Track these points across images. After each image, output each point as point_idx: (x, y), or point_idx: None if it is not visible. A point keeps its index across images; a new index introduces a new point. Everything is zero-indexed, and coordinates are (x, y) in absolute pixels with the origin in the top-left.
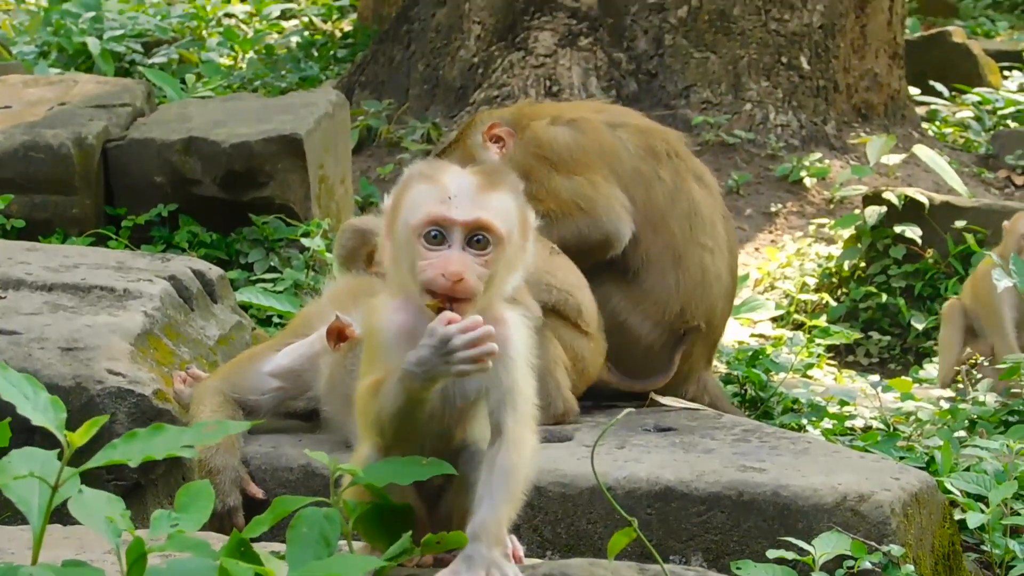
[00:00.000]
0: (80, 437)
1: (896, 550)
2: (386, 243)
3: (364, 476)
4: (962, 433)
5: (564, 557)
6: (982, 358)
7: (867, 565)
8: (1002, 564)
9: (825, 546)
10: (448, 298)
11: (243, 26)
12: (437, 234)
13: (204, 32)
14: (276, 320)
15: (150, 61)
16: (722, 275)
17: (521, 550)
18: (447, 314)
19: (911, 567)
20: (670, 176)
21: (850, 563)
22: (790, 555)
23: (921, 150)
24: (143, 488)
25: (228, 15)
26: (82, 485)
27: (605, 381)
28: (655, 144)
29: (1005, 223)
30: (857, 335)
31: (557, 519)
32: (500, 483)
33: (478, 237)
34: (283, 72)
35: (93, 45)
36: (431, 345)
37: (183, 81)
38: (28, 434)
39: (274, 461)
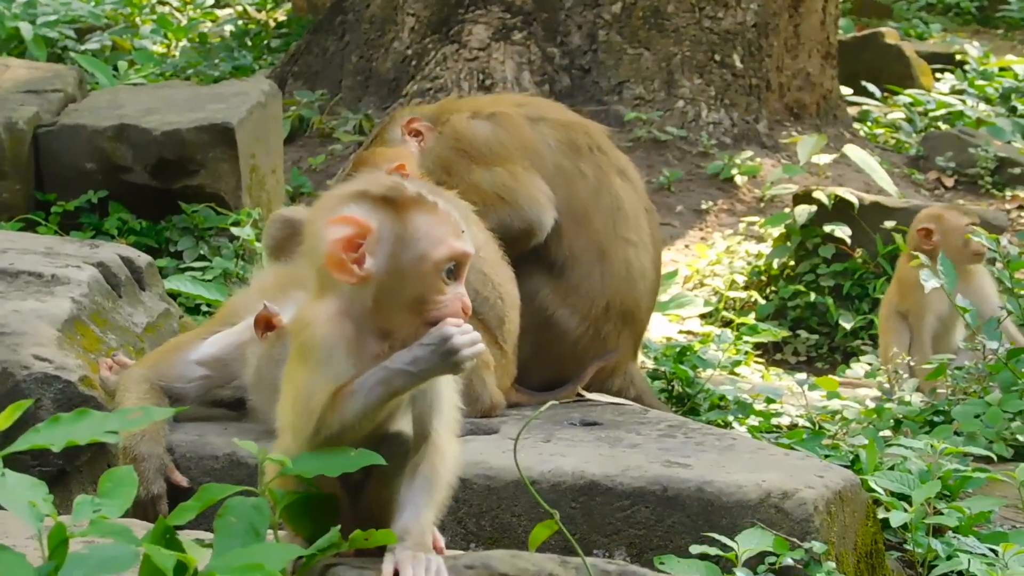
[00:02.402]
0: (3, 421)
1: (818, 547)
2: (370, 269)
3: (294, 467)
4: (888, 432)
5: (488, 549)
6: (908, 358)
7: (789, 562)
8: (924, 563)
9: (748, 542)
10: None
11: (177, 14)
12: (454, 268)
13: (137, 19)
14: (205, 308)
15: (83, 47)
16: (646, 269)
17: (442, 541)
18: (453, 319)
19: (832, 564)
20: (592, 171)
21: (772, 560)
22: (713, 551)
23: (852, 150)
24: (68, 475)
25: (162, 3)
26: (5, 469)
27: (512, 401)
28: (576, 138)
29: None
30: (785, 333)
31: (482, 512)
32: (425, 489)
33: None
34: (216, 61)
35: (26, 30)
36: (431, 345)
37: (115, 68)
38: None
39: (199, 449)
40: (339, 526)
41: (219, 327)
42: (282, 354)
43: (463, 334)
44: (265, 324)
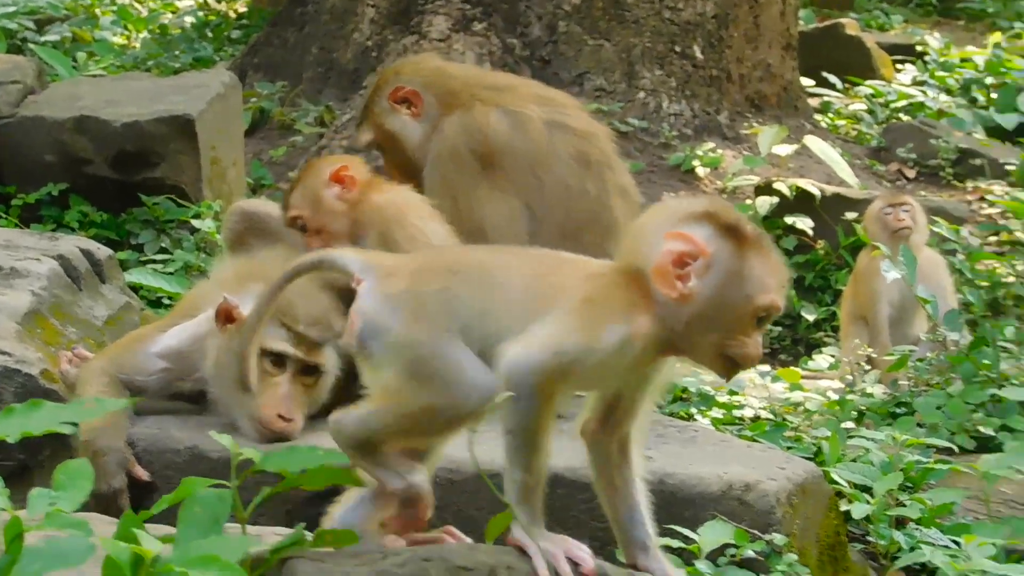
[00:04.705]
0: None
1: (779, 539)
2: (693, 290)
3: (264, 462)
4: (850, 424)
5: None
6: (869, 350)
7: (750, 554)
8: (887, 555)
9: (710, 535)
10: None
11: (137, 5)
12: (765, 317)
13: (97, 11)
14: (166, 301)
15: (42, 39)
16: None
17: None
18: None
19: (794, 556)
20: (596, 189)
21: (733, 552)
22: (675, 543)
23: (813, 141)
24: (30, 470)
25: None
26: None
27: None
28: (589, 152)
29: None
30: None
31: (444, 505)
32: None
33: None
34: (176, 52)
35: None
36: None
37: (75, 60)
38: None
39: (161, 443)
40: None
41: (179, 320)
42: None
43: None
44: (225, 316)
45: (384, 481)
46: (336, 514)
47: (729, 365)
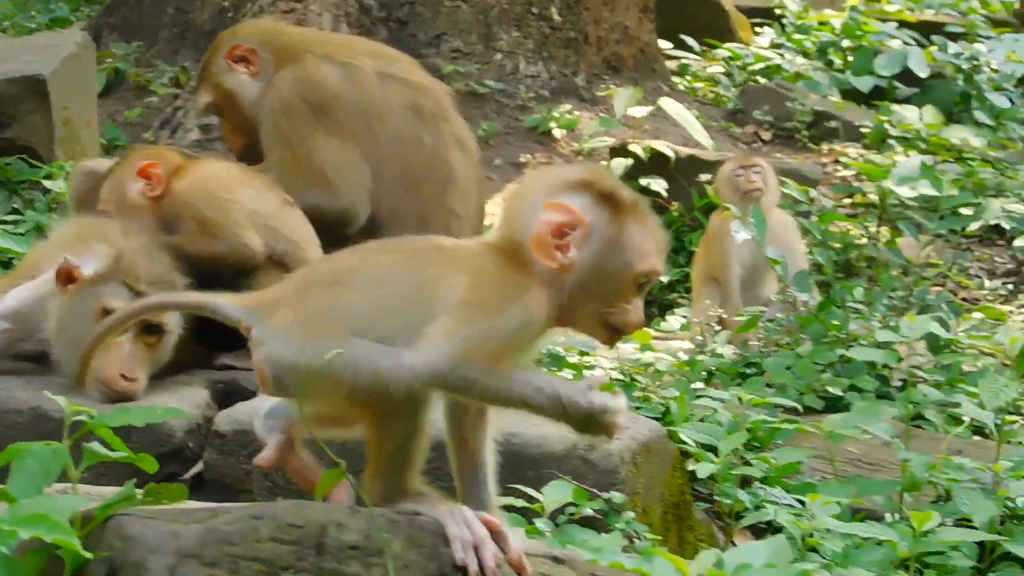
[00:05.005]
0: None
1: (618, 497)
2: (572, 260)
3: (99, 420)
4: (700, 385)
5: None
6: (720, 310)
7: (590, 512)
8: (731, 514)
9: (553, 494)
10: None
11: None
12: (645, 283)
13: None
14: (16, 262)
15: None
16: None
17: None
18: (614, 403)
19: (631, 514)
20: (431, 139)
21: (573, 510)
22: (519, 503)
23: (667, 103)
24: None
25: None
26: None
27: None
28: (423, 104)
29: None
30: None
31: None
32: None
33: None
34: (32, 13)
35: None
36: (594, 405)
37: None
38: None
39: (3, 404)
40: (135, 480)
41: (20, 280)
42: (83, 306)
43: (620, 414)
44: (66, 277)
45: None
46: (265, 406)
47: (612, 332)
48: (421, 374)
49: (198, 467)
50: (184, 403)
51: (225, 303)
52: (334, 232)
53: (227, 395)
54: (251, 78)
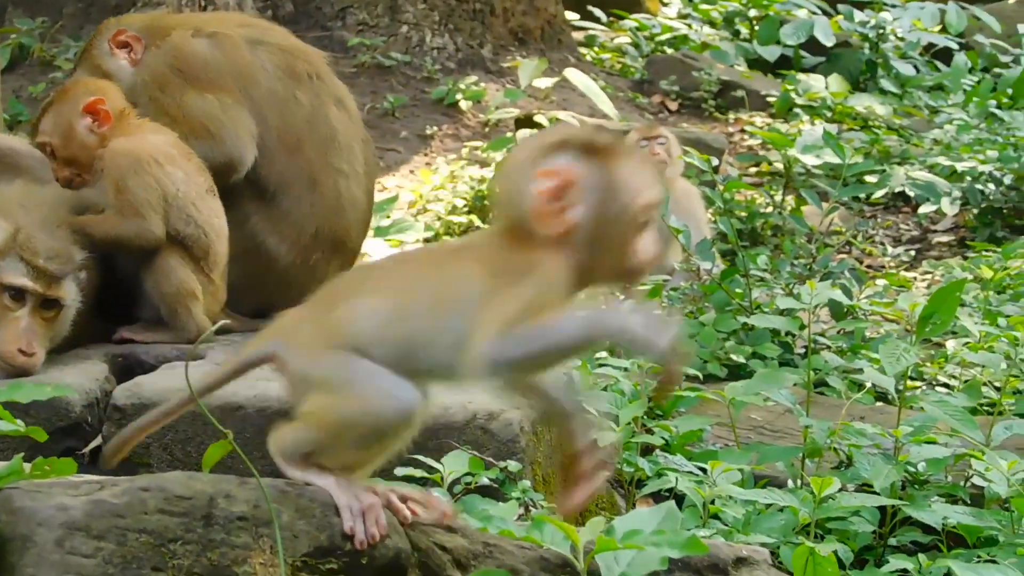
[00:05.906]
0: None
1: (514, 466)
2: (576, 218)
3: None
4: (603, 354)
5: None
6: None
7: (487, 481)
8: (633, 482)
9: (454, 464)
10: None
11: None
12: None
13: None
14: None
15: None
16: (357, 199)
17: None
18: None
19: (527, 483)
20: (309, 99)
21: (470, 479)
22: (419, 473)
23: (573, 74)
24: None
25: None
26: None
27: (225, 328)
28: (296, 65)
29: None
30: None
31: (188, 438)
32: None
33: None
34: None
35: None
36: (659, 329)
37: None
38: None
39: None
40: (23, 454)
41: None
42: None
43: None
44: None
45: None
46: None
47: (633, 274)
48: (483, 372)
49: (96, 441)
50: (83, 377)
51: (258, 352)
52: (225, 180)
53: (126, 369)
54: (130, 65)
